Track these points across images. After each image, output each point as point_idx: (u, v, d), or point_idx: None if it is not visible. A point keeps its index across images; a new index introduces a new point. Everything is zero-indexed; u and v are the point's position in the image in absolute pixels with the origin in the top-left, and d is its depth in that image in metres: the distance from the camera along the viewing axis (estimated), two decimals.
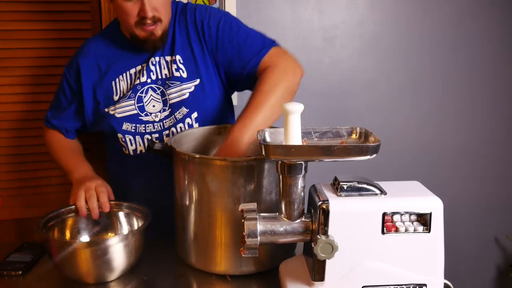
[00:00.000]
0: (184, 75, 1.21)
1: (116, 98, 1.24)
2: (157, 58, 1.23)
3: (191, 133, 1.16)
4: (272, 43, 1.22)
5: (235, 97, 1.68)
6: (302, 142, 0.82)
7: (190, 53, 1.22)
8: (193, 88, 1.21)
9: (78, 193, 1.09)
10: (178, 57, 1.22)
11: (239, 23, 1.24)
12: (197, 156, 0.94)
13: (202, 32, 1.22)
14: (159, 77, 1.23)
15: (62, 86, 1.30)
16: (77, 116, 1.30)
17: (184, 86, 1.21)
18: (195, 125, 1.22)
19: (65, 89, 1.29)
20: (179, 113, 1.21)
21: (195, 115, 1.22)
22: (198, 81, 1.22)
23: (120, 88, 1.24)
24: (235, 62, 1.20)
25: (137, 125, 1.22)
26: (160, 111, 1.22)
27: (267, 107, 1.07)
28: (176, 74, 1.21)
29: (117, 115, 1.22)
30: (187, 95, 1.21)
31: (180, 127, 1.22)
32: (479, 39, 1.98)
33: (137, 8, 1.12)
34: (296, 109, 0.79)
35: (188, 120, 1.22)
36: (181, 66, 1.21)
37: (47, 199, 1.77)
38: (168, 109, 1.22)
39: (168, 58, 1.23)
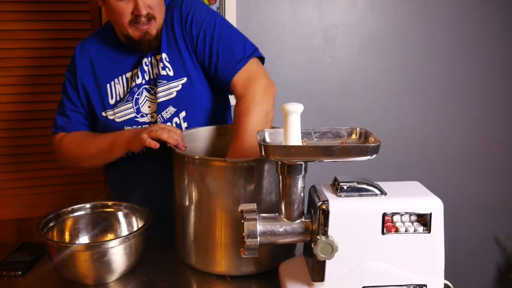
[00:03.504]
0: (171, 73, 1.20)
1: (112, 101, 1.23)
2: (149, 58, 1.22)
3: (190, 133, 1.15)
4: (251, 55, 1.17)
5: (233, 96, 1.68)
6: (302, 142, 0.82)
7: (176, 50, 1.20)
8: (180, 87, 1.19)
9: (152, 127, 1.05)
10: (164, 55, 1.20)
11: (223, 25, 1.21)
12: (197, 157, 0.94)
13: (185, 27, 1.20)
14: (151, 77, 1.22)
15: (66, 89, 1.27)
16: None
17: (171, 85, 1.19)
18: (184, 124, 1.21)
19: (68, 91, 1.26)
20: (166, 112, 1.20)
21: (183, 114, 1.20)
22: (185, 79, 1.20)
23: (116, 91, 1.23)
24: (212, 69, 1.19)
25: (135, 127, 1.21)
26: (155, 112, 1.21)
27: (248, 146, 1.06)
28: (163, 72, 1.20)
29: (117, 120, 1.21)
30: (174, 94, 1.19)
31: None
32: (479, 39, 1.98)
33: (130, 7, 1.11)
34: (295, 110, 0.78)
35: (175, 119, 1.20)
36: (167, 64, 1.20)
37: (47, 199, 1.77)
38: (157, 108, 1.20)
39: (158, 56, 1.21)
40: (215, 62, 1.17)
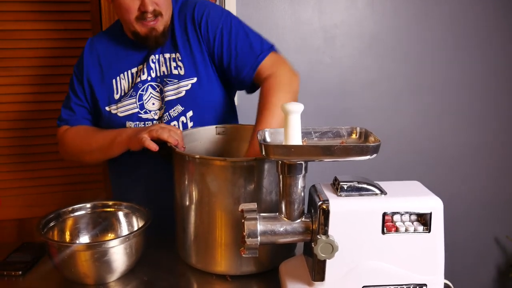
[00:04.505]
0: (182, 72, 1.21)
1: (117, 96, 1.24)
2: (156, 56, 1.23)
3: (191, 133, 1.15)
4: (269, 48, 1.21)
5: (235, 96, 1.68)
6: (302, 142, 0.82)
7: (189, 50, 1.22)
8: (189, 86, 1.20)
9: (153, 127, 1.06)
10: (177, 55, 1.22)
11: (239, 24, 1.23)
12: (197, 156, 0.94)
13: (200, 30, 1.21)
14: (158, 74, 1.23)
15: (72, 83, 1.28)
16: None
17: (181, 84, 1.20)
18: (190, 123, 1.21)
19: (74, 85, 1.27)
20: (173, 110, 1.21)
21: (190, 113, 1.21)
22: (195, 79, 1.21)
23: (121, 86, 1.24)
24: (231, 66, 1.20)
25: (137, 123, 1.22)
26: (159, 109, 1.22)
27: (277, 120, 1.07)
28: (174, 71, 1.21)
29: (120, 114, 1.22)
30: (183, 93, 1.20)
31: (174, 125, 1.21)
32: (479, 39, 1.98)
33: (137, 4, 1.13)
34: (296, 109, 0.79)
35: (182, 118, 1.21)
36: (179, 63, 1.21)
37: (47, 199, 1.77)
38: (164, 106, 1.21)
39: (167, 55, 1.22)
40: (234, 58, 1.19)
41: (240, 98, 1.74)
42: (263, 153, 0.78)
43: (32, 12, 1.64)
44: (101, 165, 1.44)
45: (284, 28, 1.84)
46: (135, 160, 1.23)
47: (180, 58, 1.21)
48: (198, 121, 1.22)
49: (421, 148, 2.04)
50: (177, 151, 0.99)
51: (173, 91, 1.21)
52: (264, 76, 1.16)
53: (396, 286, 0.84)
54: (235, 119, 1.35)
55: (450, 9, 1.93)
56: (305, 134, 0.86)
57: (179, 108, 1.20)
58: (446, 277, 0.86)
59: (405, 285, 0.84)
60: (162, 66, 1.22)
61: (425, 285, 0.84)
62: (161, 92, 1.21)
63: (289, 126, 0.79)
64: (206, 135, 1.18)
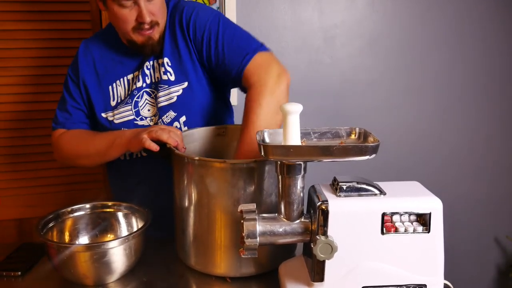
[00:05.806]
0: (172, 78, 1.19)
1: (113, 103, 1.23)
2: (151, 62, 1.22)
3: (190, 134, 1.15)
4: (255, 49, 1.15)
5: (234, 97, 1.68)
6: (301, 142, 0.82)
7: (177, 54, 1.20)
8: (181, 92, 1.19)
9: (152, 128, 1.05)
10: (166, 60, 1.20)
11: (227, 24, 1.19)
12: (196, 158, 0.94)
13: (187, 32, 1.19)
14: (153, 80, 1.22)
15: (68, 86, 1.27)
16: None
17: (172, 90, 1.19)
18: (184, 128, 1.20)
19: (70, 88, 1.26)
20: (166, 117, 1.19)
21: (183, 118, 1.20)
22: (186, 84, 1.19)
23: (117, 93, 1.23)
24: (220, 68, 1.17)
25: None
26: (155, 115, 1.21)
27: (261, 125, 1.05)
28: (164, 77, 1.19)
29: (116, 121, 1.21)
30: (175, 99, 1.19)
31: None
32: (480, 39, 1.98)
33: (134, 15, 1.12)
34: (295, 110, 0.79)
35: (176, 123, 1.20)
36: (168, 69, 1.19)
37: (47, 199, 1.77)
38: (158, 113, 1.20)
39: (160, 60, 1.21)
40: (222, 59, 1.16)
41: (239, 98, 1.74)
42: (262, 153, 0.78)
43: (32, 12, 1.64)
44: (101, 165, 1.44)
45: (284, 28, 1.84)
46: (134, 161, 1.23)
47: (169, 64, 1.20)
48: (192, 126, 1.21)
49: (421, 148, 2.04)
50: (176, 152, 0.99)
51: (164, 97, 1.19)
52: (249, 83, 1.12)
53: (396, 287, 0.84)
54: (231, 119, 1.35)
55: (452, 9, 1.93)
56: (304, 134, 0.86)
57: (171, 114, 1.19)
58: (446, 277, 0.86)
59: (405, 285, 0.84)
60: (157, 72, 1.21)
61: (425, 285, 0.84)
62: (156, 98, 1.20)
63: (288, 127, 0.79)
64: (206, 136, 1.18)
